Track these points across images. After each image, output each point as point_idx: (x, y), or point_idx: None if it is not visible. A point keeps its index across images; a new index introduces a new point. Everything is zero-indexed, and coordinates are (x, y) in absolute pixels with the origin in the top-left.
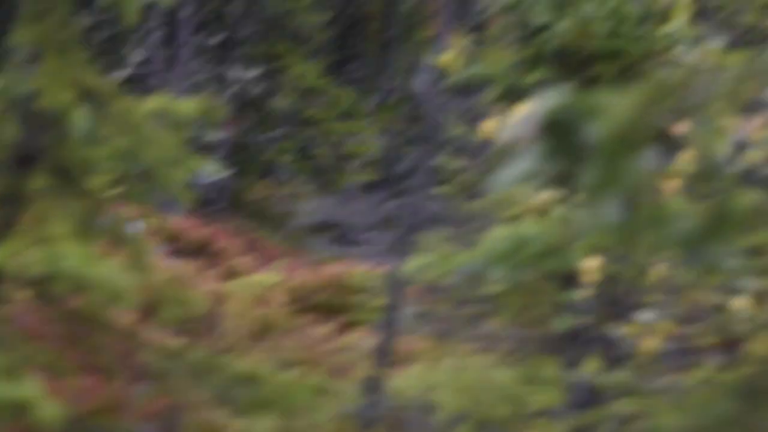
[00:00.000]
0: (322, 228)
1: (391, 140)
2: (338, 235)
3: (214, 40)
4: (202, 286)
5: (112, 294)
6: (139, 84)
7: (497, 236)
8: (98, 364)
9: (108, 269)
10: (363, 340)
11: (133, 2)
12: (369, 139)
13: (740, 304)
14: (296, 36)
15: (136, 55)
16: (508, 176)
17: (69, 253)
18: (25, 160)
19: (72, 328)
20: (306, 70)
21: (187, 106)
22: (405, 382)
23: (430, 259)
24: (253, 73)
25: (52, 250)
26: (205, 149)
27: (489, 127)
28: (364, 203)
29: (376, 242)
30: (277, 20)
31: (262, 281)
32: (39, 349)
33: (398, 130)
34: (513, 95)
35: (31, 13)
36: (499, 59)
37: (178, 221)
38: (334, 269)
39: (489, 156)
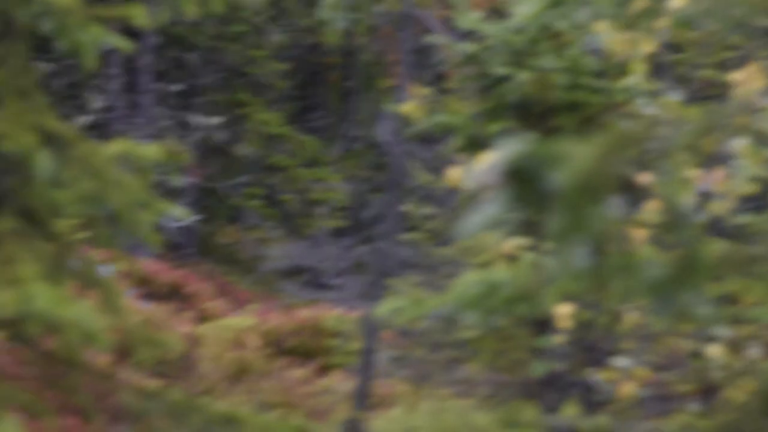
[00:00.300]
0: (293, 272)
1: (358, 187)
2: (309, 279)
3: (176, 87)
4: (176, 328)
5: (86, 335)
6: (101, 130)
7: (468, 281)
8: (76, 405)
9: (80, 311)
10: (340, 383)
11: (91, 49)
12: (335, 186)
13: (715, 351)
14: (258, 84)
15: (97, 102)
16: (475, 223)
17: (40, 295)
18: None
19: (48, 369)
20: (268, 118)
21: (151, 150)
22: (385, 425)
23: (403, 304)
24: (215, 120)
25: (22, 291)
26: (171, 194)
27: (454, 175)
28: (334, 248)
29: (347, 287)
30: (238, 69)
31: (236, 324)
32: (16, 390)
33: (364, 178)
34: (476, 144)
35: None
36: (461, 109)
37: (148, 265)
38: (308, 313)
39: (456, 203)
